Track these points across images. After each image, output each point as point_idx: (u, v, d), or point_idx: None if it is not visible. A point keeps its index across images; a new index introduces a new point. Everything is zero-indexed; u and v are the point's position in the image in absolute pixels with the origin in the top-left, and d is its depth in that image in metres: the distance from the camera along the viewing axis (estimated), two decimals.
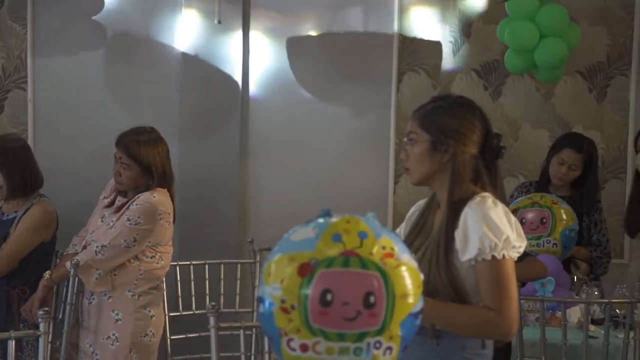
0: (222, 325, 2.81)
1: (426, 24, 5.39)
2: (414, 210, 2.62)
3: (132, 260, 3.85)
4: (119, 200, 3.95)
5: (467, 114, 2.43)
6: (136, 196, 3.87)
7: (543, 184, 4.61)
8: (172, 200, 3.95)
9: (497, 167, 2.46)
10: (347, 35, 5.46)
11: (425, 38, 5.39)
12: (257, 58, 5.50)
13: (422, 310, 1.95)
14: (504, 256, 2.30)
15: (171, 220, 3.93)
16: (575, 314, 3.87)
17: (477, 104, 2.48)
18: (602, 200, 4.72)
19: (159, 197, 3.86)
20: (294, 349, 1.84)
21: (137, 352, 3.85)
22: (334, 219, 1.91)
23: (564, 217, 4.23)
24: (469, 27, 5.33)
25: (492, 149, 2.42)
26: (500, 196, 2.42)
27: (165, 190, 3.92)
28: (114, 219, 3.88)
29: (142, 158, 3.86)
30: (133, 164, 3.86)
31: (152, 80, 5.43)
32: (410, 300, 1.89)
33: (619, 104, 5.25)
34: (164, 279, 4.04)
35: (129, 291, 3.86)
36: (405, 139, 2.49)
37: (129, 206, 3.86)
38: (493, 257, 2.29)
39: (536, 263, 3.59)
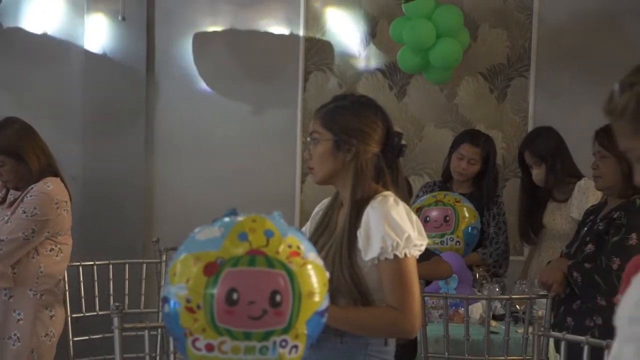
0: (126, 325, 2.77)
1: (332, 24, 5.42)
2: (318, 209, 2.63)
3: (32, 256, 3.78)
4: (12, 195, 3.87)
5: (369, 112, 2.45)
6: (29, 188, 3.79)
7: (445, 181, 4.70)
8: (66, 187, 3.88)
9: (398, 165, 2.49)
10: (254, 34, 5.46)
11: (332, 38, 5.42)
12: (162, 55, 5.44)
13: (327, 309, 1.96)
14: (405, 255, 2.33)
15: (69, 208, 3.86)
16: (477, 310, 3.94)
17: (380, 103, 2.51)
18: (503, 198, 4.83)
19: (53, 187, 3.79)
20: (199, 349, 1.83)
21: (38, 353, 3.78)
22: (240, 218, 1.91)
23: (467, 215, 4.31)
24: (374, 28, 5.38)
25: (394, 147, 2.45)
26: (402, 194, 2.45)
27: (58, 178, 3.85)
28: (9, 214, 3.80)
29: (10, 150, 3.78)
30: (5, 159, 3.78)
31: (54, 78, 5.32)
32: (316, 298, 1.91)
33: (519, 104, 5.38)
34: (67, 280, 3.97)
35: (30, 290, 3.78)
36: (308, 139, 2.50)
37: (23, 198, 3.78)
38: (395, 256, 2.32)
39: (442, 263, 3.65)
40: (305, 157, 2.54)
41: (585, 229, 3.34)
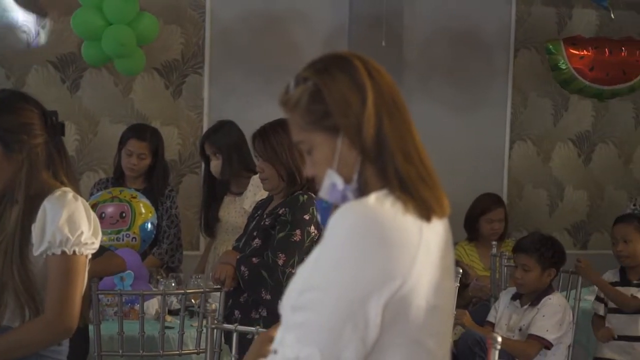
0: None
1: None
2: None
3: None
4: None
5: (20, 104, 2.38)
6: None
7: (117, 177, 4.62)
8: None
9: (64, 146, 2.44)
10: None
11: None
12: None
13: None
14: (74, 252, 2.29)
15: None
16: (153, 305, 3.95)
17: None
18: (180, 194, 4.86)
19: None
20: None
21: None
22: None
23: (143, 210, 4.30)
24: (44, 18, 5.19)
25: (55, 127, 2.40)
26: (71, 176, 2.41)
27: None
28: None
29: None
30: None
31: None
32: None
33: (194, 101, 5.46)
34: None
35: None
36: None
37: None
38: (63, 252, 2.28)
39: (115, 258, 3.61)
40: None
41: (254, 223, 3.44)
